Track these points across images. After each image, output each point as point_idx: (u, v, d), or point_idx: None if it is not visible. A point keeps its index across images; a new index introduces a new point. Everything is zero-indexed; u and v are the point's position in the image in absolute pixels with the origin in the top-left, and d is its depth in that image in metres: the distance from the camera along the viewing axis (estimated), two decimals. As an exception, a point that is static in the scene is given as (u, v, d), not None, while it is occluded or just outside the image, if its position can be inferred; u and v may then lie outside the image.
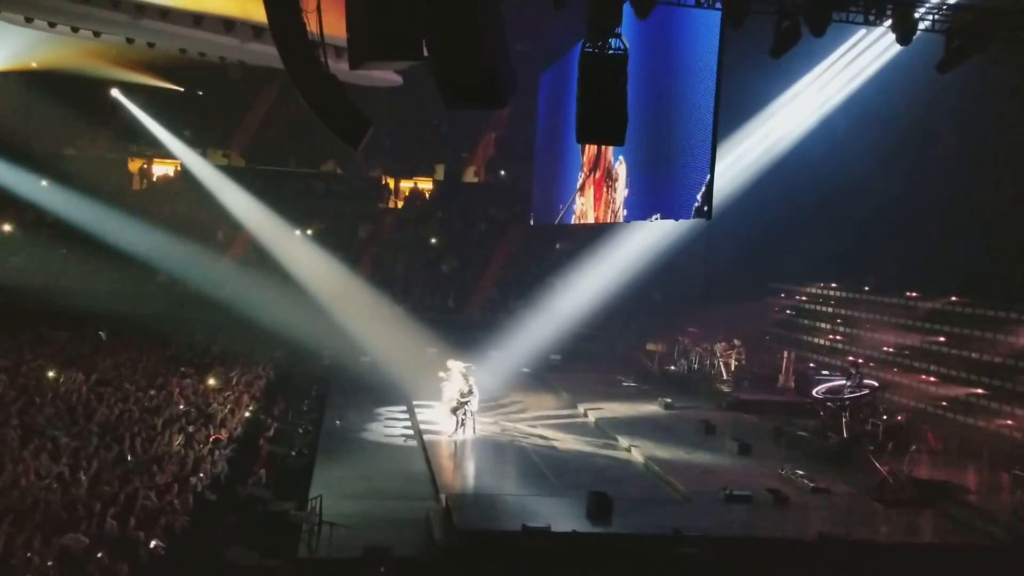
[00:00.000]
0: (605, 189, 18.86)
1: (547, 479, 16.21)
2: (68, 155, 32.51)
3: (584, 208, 19.08)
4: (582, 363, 27.86)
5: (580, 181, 19.91)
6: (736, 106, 19.43)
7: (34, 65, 25.65)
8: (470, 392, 19.10)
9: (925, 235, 21.56)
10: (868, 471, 16.67)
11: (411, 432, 19.49)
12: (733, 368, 25.31)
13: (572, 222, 20.40)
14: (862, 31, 19.79)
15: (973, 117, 19.57)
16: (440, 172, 38.15)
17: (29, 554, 10.13)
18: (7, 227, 30.56)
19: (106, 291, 26.20)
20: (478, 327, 28.30)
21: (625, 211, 16.69)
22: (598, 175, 20.12)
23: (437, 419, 19.87)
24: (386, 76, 22.69)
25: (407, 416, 20.89)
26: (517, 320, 27.80)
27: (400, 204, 38.02)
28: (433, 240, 35.24)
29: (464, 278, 33.64)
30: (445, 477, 16.09)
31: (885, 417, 18.64)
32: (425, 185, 38.55)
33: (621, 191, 18.41)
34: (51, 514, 11.47)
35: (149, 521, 11.66)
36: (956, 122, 19.97)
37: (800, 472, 16.56)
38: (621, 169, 19.07)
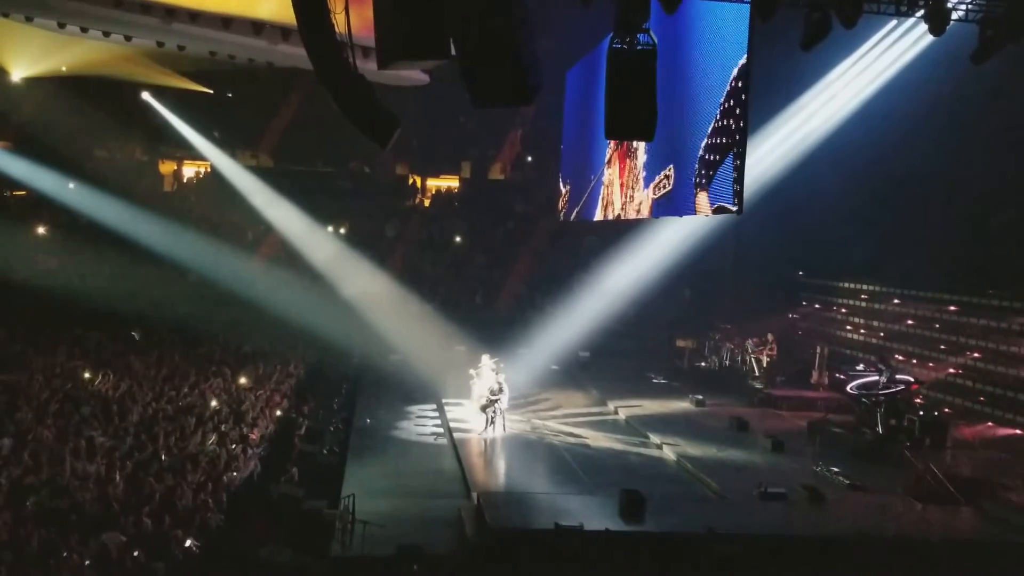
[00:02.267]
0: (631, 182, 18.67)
1: (579, 477, 16.16)
2: (100, 158, 32.94)
3: (611, 190, 18.56)
4: (612, 360, 27.76)
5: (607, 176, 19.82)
6: (766, 99, 19.25)
7: (64, 70, 25.96)
8: (500, 390, 19.09)
9: (960, 228, 21.24)
10: (904, 468, 16.46)
11: (441, 430, 19.52)
12: (765, 364, 25.11)
13: (597, 211, 20.16)
14: (893, 22, 19.51)
15: (1010, 109, 19.20)
16: (466, 170, 38.20)
17: (66, 553, 10.26)
18: (41, 229, 31.00)
19: (138, 292, 26.44)
20: (507, 324, 28.28)
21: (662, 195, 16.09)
22: (624, 175, 19.99)
23: (467, 417, 19.88)
24: (413, 75, 22.71)
25: (437, 414, 20.93)
26: (546, 317, 27.75)
27: (427, 202, 38.12)
28: (460, 238, 35.29)
29: (492, 275, 33.64)
30: (476, 475, 16.09)
31: (921, 413, 18.40)
32: (452, 183, 38.62)
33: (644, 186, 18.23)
34: (88, 513, 11.61)
35: (184, 519, 11.77)
36: (992, 114, 19.58)
37: (835, 469, 16.39)
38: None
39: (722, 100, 12.66)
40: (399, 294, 28.90)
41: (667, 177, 15.39)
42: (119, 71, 26.04)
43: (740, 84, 12.51)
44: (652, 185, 16.09)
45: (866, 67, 21.22)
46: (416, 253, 34.16)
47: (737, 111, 12.48)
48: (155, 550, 10.70)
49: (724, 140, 12.60)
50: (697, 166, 13.10)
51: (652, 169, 16.23)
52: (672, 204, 14.79)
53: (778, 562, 12.32)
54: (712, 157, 12.73)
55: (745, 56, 12.46)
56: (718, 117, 12.78)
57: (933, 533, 13.85)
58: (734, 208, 12.73)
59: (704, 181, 13.06)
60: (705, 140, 12.98)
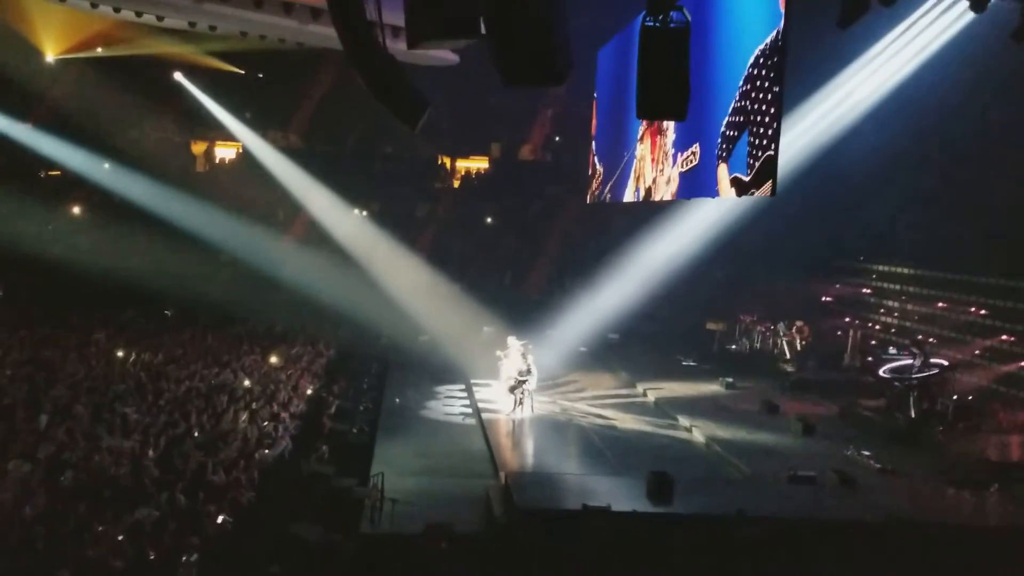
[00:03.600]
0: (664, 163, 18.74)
1: (607, 458, 16.16)
2: (133, 138, 33.22)
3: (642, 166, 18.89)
4: (640, 342, 27.70)
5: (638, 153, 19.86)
6: (801, 80, 18.93)
7: (99, 51, 26.15)
8: (528, 371, 19.12)
9: (995, 211, 20.86)
10: (937, 452, 16.29)
11: (470, 410, 19.60)
12: (798, 348, 24.90)
13: (629, 185, 20.27)
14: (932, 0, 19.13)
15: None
16: (496, 151, 38.10)
17: (101, 528, 10.43)
18: (76, 209, 31.40)
19: (171, 271, 26.74)
20: (535, 305, 28.27)
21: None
22: (657, 155, 19.95)
23: (495, 397, 19.93)
24: (443, 55, 22.62)
25: (465, 394, 21.01)
26: (574, 298, 27.70)
27: (457, 183, 38.11)
28: (489, 219, 35.26)
29: (521, 256, 33.59)
30: (504, 455, 16.15)
31: (955, 397, 18.18)
32: (481, 164, 38.56)
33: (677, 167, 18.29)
34: (122, 489, 11.79)
35: (217, 496, 11.92)
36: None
37: (866, 453, 16.27)
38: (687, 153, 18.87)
39: (741, 83, 12.98)
40: (428, 274, 28.96)
41: (693, 154, 15.69)
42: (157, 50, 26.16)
43: (757, 70, 12.71)
44: (680, 159, 16.33)
45: (904, 46, 20.81)
46: (445, 234, 34.18)
47: (753, 94, 12.74)
48: (189, 526, 10.85)
49: (741, 119, 13.02)
50: (719, 141, 13.66)
51: (680, 146, 16.70)
52: (697, 179, 15.03)
53: (808, 545, 12.25)
54: (732, 133, 13.27)
55: (766, 40, 12.47)
56: (738, 98, 13.12)
57: (965, 518, 13.73)
58: (747, 177, 12.94)
59: (725, 154, 13.61)
60: (727, 119, 13.41)
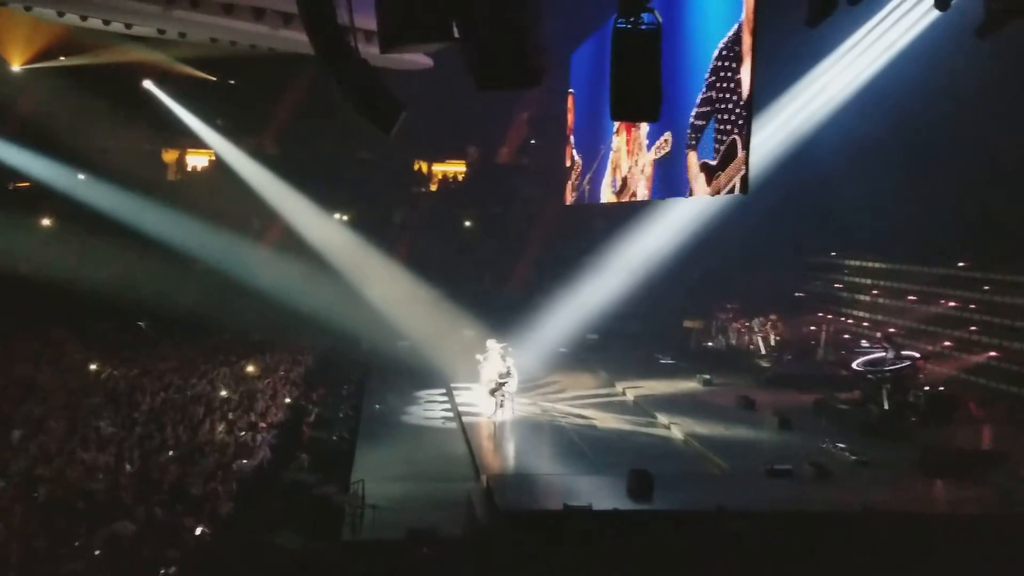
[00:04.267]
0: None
1: (587, 458, 16.22)
2: (103, 148, 32.84)
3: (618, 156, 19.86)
4: (619, 342, 27.80)
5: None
6: (772, 79, 19.13)
7: (63, 59, 25.89)
8: (508, 373, 19.14)
9: (963, 204, 21.13)
10: (911, 443, 16.49)
11: (450, 414, 19.58)
12: (772, 343, 25.10)
13: (606, 177, 20.86)
14: (898, -2, 19.38)
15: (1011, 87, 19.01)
16: (473, 154, 38.07)
17: (77, 543, 10.32)
18: (46, 221, 31.02)
19: (145, 282, 26.48)
20: (515, 308, 28.29)
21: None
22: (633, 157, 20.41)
23: (476, 401, 19.93)
24: (417, 59, 22.60)
25: (446, 398, 20.99)
26: (553, 300, 27.75)
27: (434, 188, 38.04)
28: (468, 222, 35.24)
29: (500, 259, 33.60)
30: (486, 458, 16.16)
31: (927, 388, 18.42)
32: (458, 168, 38.53)
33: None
34: (98, 503, 11.68)
35: (195, 507, 11.83)
36: (996, 89, 19.39)
37: (842, 445, 16.44)
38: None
39: (707, 75, 13.96)
40: (407, 279, 28.88)
41: (666, 141, 16.78)
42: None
43: (721, 62, 13.66)
44: (654, 148, 17.30)
45: (872, 43, 21.04)
46: (423, 238, 34.11)
47: (719, 84, 13.68)
48: (167, 538, 10.76)
49: (708, 108, 14.04)
50: (688, 131, 14.67)
51: (653, 136, 17.91)
52: (669, 166, 15.92)
53: (786, 538, 12.35)
54: (700, 123, 14.28)
55: (728, 33, 13.37)
56: (704, 89, 14.07)
57: (939, 507, 13.91)
58: (714, 162, 13.81)
59: (694, 143, 14.60)
60: (695, 110, 14.42)
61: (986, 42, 13.73)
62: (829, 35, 20.02)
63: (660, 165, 16.47)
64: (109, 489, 12.14)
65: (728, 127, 13.17)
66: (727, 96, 13.22)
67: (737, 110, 12.81)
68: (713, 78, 13.64)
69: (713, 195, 14.26)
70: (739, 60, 12.91)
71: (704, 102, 13.89)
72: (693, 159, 14.50)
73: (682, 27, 15.16)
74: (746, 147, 12.75)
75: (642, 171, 17.86)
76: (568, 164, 24.46)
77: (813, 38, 15.60)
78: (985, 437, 17.05)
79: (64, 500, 11.63)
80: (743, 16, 12.77)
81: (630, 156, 18.50)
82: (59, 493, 11.85)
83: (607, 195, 20.44)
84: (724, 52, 13.39)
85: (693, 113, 14.16)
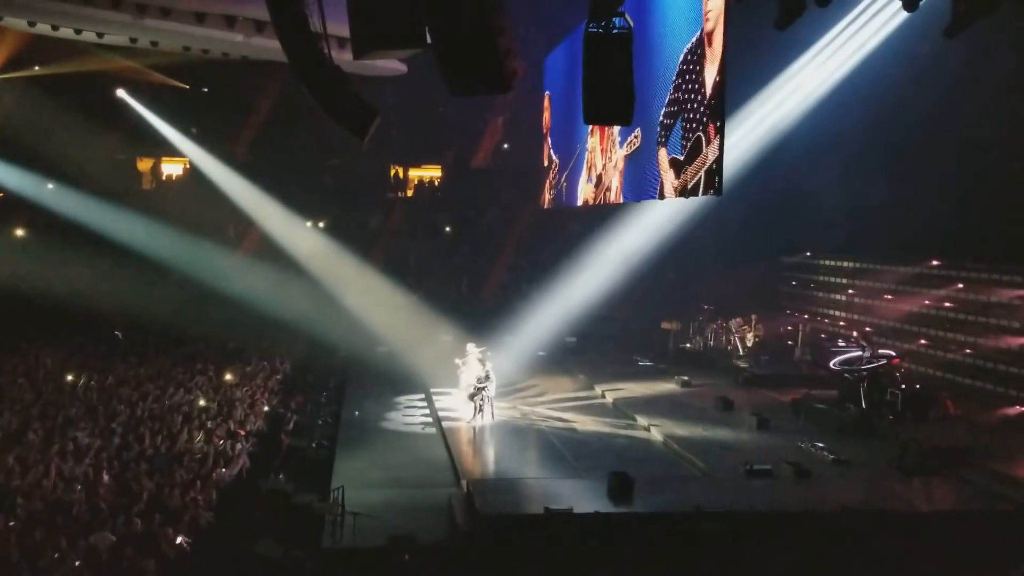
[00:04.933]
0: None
1: (567, 461, 16.24)
2: (76, 157, 32.57)
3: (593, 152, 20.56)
4: (598, 344, 27.87)
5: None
6: (744, 81, 19.29)
7: (36, 69, 25.67)
8: (487, 378, 19.12)
9: (935, 202, 21.37)
10: (888, 441, 16.64)
11: (430, 420, 19.55)
12: (749, 344, 25.25)
13: (582, 176, 21.41)
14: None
15: (981, 85, 19.26)
16: (448, 159, 38.06)
17: (56, 555, 10.23)
18: (19, 231, 30.70)
19: (120, 292, 26.25)
20: (493, 312, 28.30)
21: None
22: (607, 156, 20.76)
23: (455, 406, 19.91)
24: (390, 65, 22.62)
25: (425, 404, 20.95)
26: (531, 304, 27.79)
27: (410, 193, 37.99)
28: (444, 228, 35.23)
29: (477, 264, 33.61)
30: (465, 463, 16.15)
31: (903, 386, 18.58)
32: (434, 173, 38.51)
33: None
34: (76, 514, 11.59)
35: (174, 518, 11.76)
36: (965, 92, 19.62)
37: (820, 445, 16.56)
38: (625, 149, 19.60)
39: (674, 77, 14.98)
40: (384, 285, 28.81)
41: (636, 137, 17.59)
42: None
43: (686, 65, 14.70)
44: (625, 144, 17.82)
45: (843, 44, 21.25)
46: (400, 244, 34.05)
47: (684, 86, 14.73)
48: (146, 549, 10.69)
49: (676, 108, 15.02)
50: (659, 129, 15.62)
51: (624, 134, 18.97)
52: (640, 160, 16.79)
53: (766, 538, 12.45)
54: (668, 121, 15.28)
55: (691, 40, 14.37)
56: (672, 91, 15.10)
57: (917, 505, 14.05)
58: (681, 157, 14.74)
59: (663, 140, 15.58)
60: (664, 109, 15.41)
61: (954, 41, 13.97)
62: (800, 37, 20.18)
63: (632, 160, 17.31)
64: (87, 500, 12.03)
65: (694, 125, 14.13)
66: (692, 96, 14.18)
67: (702, 109, 13.71)
68: (679, 80, 14.63)
69: (681, 188, 14.90)
70: (702, 63, 13.76)
71: (672, 102, 14.92)
72: (663, 155, 15.39)
73: (650, 33, 15.64)
74: (711, 143, 13.21)
75: (615, 167, 18.75)
76: (546, 164, 24.93)
77: (784, 40, 15.88)
78: (961, 434, 17.23)
79: (42, 512, 11.51)
80: (704, 25, 13.54)
81: (604, 154, 19.38)
82: (37, 505, 11.73)
83: (584, 190, 20.94)
84: (689, 56, 14.34)
85: (662, 112, 15.09)
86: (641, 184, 17.14)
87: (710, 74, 13.41)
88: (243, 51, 21.75)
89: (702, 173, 13.48)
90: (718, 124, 13.54)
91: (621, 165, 18.04)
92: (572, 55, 21.26)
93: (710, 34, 13.74)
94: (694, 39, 14.02)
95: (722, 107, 13.41)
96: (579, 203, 22.29)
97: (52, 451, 13.92)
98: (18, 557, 10.20)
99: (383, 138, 34.46)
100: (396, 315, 26.38)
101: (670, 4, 15.64)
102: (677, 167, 14.72)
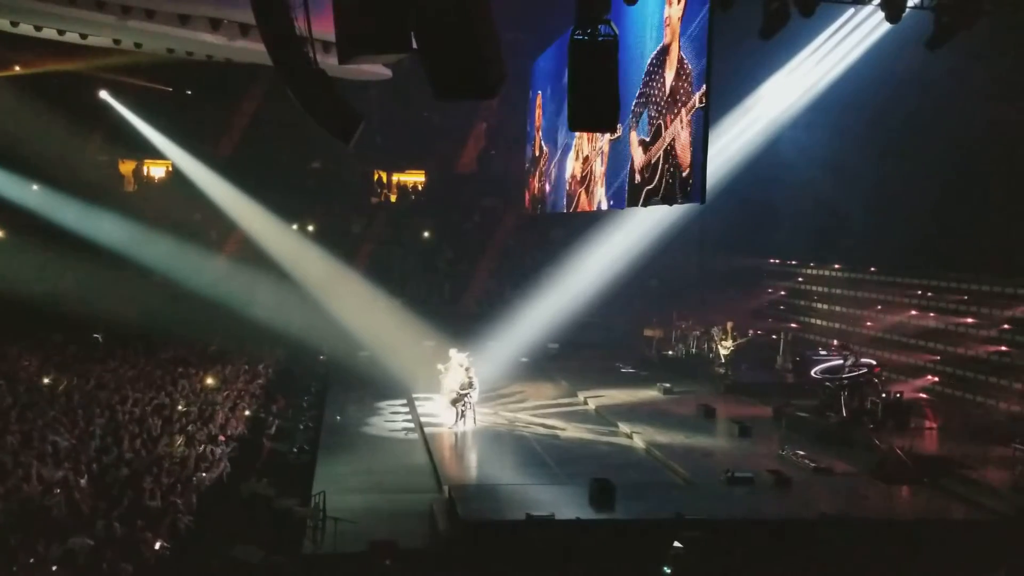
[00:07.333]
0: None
1: (549, 467, 16.24)
2: (58, 158, 32.31)
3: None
4: (580, 351, 27.90)
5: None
6: (726, 88, 19.44)
7: (17, 69, 25.45)
8: (470, 383, 19.12)
9: (919, 212, 21.55)
10: (869, 449, 16.74)
11: (412, 425, 19.51)
12: (731, 351, 25.35)
13: (569, 162, 22.67)
14: (851, 10, 19.71)
15: (964, 94, 19.45)
16: (432, 164, 38.02)
17: (33, 559, 10.13)
18: (-1, 233, 30.43)
19: (101, 294, 26.04)
20: (475, 318, 28.28)
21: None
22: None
23: (437, 411, 19.89)
24: (375, 70, 22.62)
25: (407, 409, 20.91)
26: (514, 310, 27.78)
27: (393, 198, 37.92)
28: (427, 233, 35.19)
29: (460, 269, 33.58)
30: (447, 469, 16.12)
31: (884, 395, 18.70)
32: (417, 178, 38.46)
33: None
34: (55, 518, 11.47)
35: (154, 522, 11.66)
36: (946, 101, 19.80)
37: (801, 453, 16.63)
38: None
39: (644, 76, 17.34)
40: (367, 290, 28.73)
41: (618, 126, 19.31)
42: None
43: (651, 67, 17.01)
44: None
45: (827, 54, 21.42)
46: (383, 249, 33.98)
47: (651, 83, 17.11)
48: (125, 553, 10.59)
49: (644, 99, 17.40)
50: (631, 116, 17.89)
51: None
52: (618, 143, 18.98)
53: (746, 545, 12.48)
54: (639, 110, 17.63)
55: (656, 48, 16.79)
56: (641, 86, 17.42)
57: (898, 513, 14.15)
58: (647, 138, 17.14)
59: (634, 124, 17.84)
60: (635, 100, 17.66)
61: (936, 53, 14.15)
62: (784, 46, 20.32)
63: (613, 145, 19.52)
64: (66, 504, 11.92)
65: (656, 114, 16.69)
66: (656, 92, 16.77)
67: (663, 102, 16.33)
68: (647, 78, 17.22)
69: (646, 161, 17.36)
70: (663, 68, 16.40)
71: (641, 95, 17.44)
72: (633, 136, 17.90)
73: (624, 43, 16.64)
74: (668, 129, 16.06)
75: (599, 151, 20.57)
76: (536, 154, 25.71)
77: (769, 49, 16.21)
78: (941, 443, 17.36)
79: (19, 516, 11.39)
80: (663, 40, 16.39)
81: (590, 142, 21.33)
82: (14, 509, 11.60)
83: (572, 167, 22.80)
84: (654, 61, 16.87)
85: (633, 103, 17.62)
86: (617, 165, 19.11)
87: (668, 76, 16.14)
88: (228, 54, 21.68)
89: (660, 152, 16.41)
90: (673, 116, 16.12)
91: (606, 149, 20.16)
92: (562, 57, 21.77)
93: (668, 46, 16.19)
94: (658, 48, 16.71)
95: (706, 113, 14.50)
96: (568, 176, 22.93)
97: (30, 454, 13.77)
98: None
99: (366, 142, 34.42)
100: (379, 320, 26.30)
101: (639, 20, 17.58)
102: (644, 146, 17.42)
